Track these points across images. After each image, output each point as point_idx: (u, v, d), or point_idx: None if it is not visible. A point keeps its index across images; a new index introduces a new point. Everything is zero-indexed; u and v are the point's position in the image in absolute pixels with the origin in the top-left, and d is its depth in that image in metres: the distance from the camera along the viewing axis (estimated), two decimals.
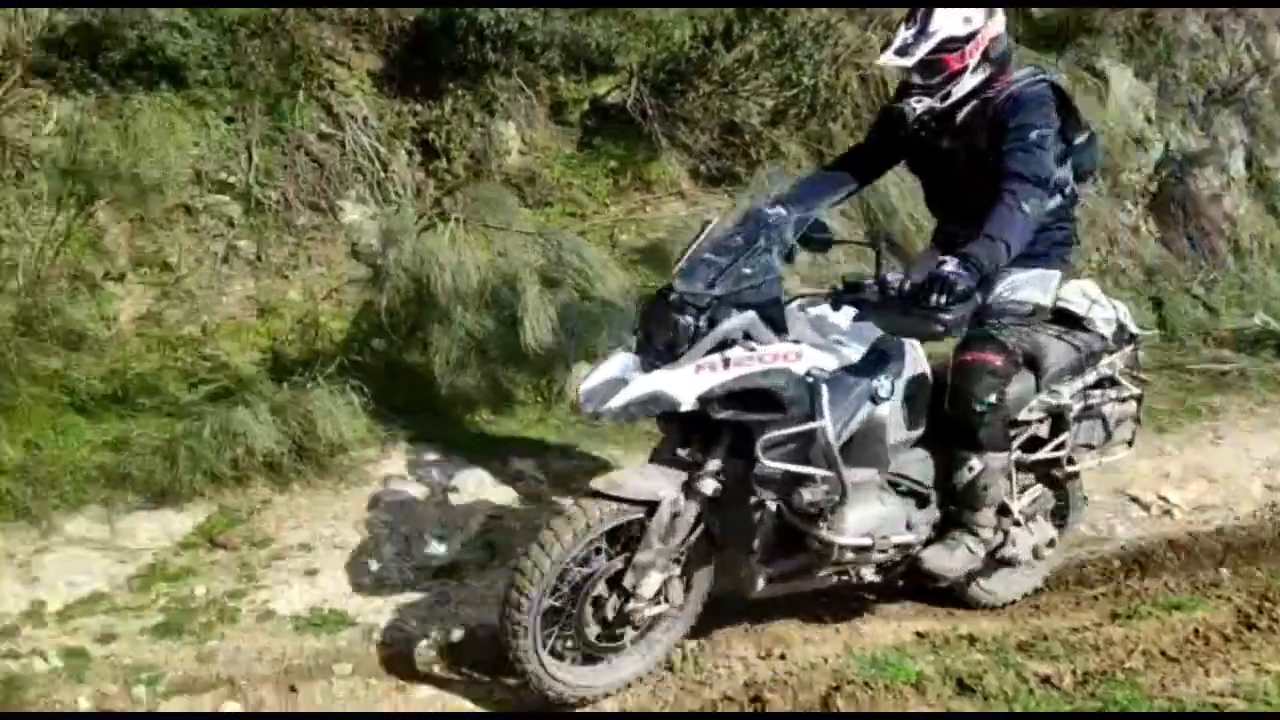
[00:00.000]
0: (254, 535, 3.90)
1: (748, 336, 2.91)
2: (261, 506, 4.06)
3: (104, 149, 4.92)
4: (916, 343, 3.21)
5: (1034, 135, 3.06)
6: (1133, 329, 3.63)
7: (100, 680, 3.12)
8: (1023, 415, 3.40)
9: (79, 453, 4.16)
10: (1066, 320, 3.45)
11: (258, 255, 5.49)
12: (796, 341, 2.98)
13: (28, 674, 3.15)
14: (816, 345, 3.04)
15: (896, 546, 3.25)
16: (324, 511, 4.07)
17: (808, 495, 2.96)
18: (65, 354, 4.70)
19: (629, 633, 3.04)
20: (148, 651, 3.26)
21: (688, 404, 2.81)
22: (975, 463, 3.25)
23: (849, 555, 3.12)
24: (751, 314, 2.91)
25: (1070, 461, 3.60)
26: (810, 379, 2.91)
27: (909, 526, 3.27)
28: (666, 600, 3.06)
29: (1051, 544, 3.68)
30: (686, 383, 2.81)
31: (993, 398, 3.16)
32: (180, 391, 4.61)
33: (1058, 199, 3.27)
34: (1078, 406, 3.51)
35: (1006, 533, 3.46)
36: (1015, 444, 3.43)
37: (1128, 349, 3.64)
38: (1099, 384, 3.57)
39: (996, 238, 2.92)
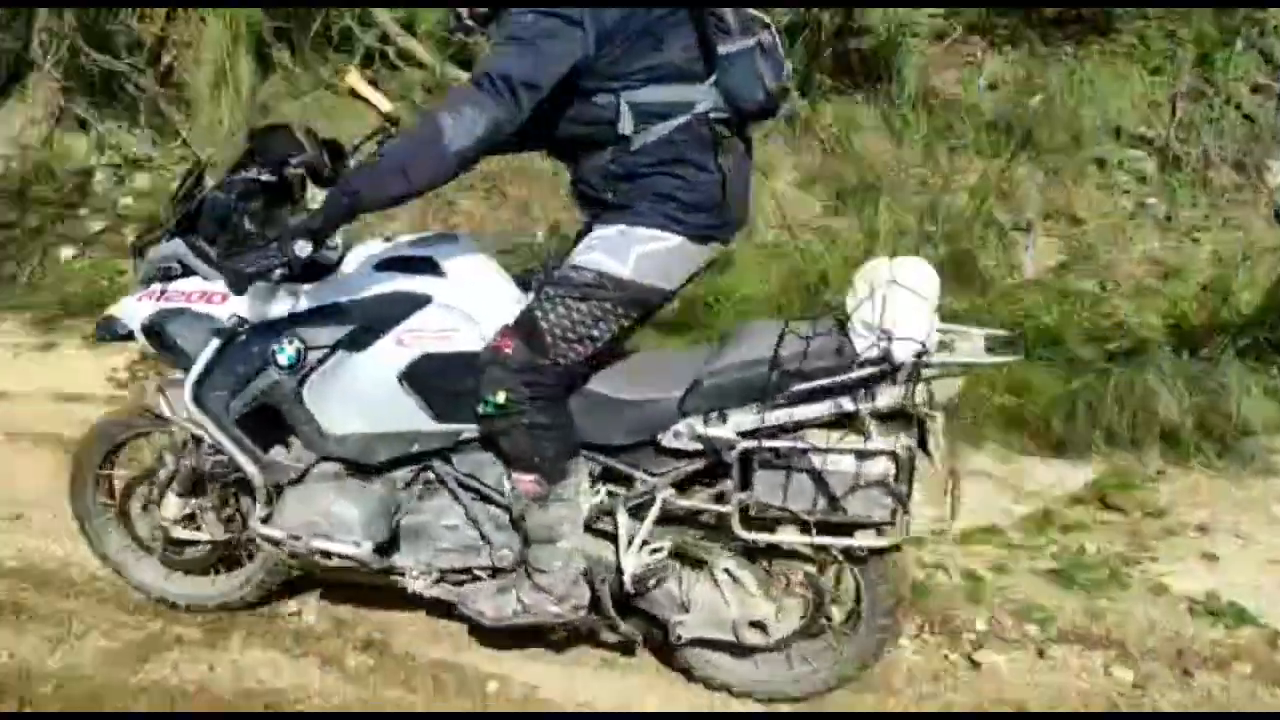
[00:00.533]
0: (1146, 504, 3.85)
1: (185, 268, 2.52)
2: (1156, 476, 3.98)
3: (1028, 102, 5.18)
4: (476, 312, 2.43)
5: (522, 20, 2.19)
6: (908, 353, 2.19)
7: (996, 608, 3.38)
8: (670, 441, 2.39)
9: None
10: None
11: (1167, 215, 5.32)
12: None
13: (932, 584, 3.54)
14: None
15: (344, 556, 2.55)
16: (1225, 495, 3.85)
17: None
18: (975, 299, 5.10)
19: None
20: (1039, 592, 3.43)
21: (136, 330, 2.58)
22: (507, 484, 2.47)
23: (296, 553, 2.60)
24: (178, 242, 2.50)
25: (751, 526, 2.40)
26: (220, 328, 2.46)
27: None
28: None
29: (805, 633, 2.58)
30: (133, 308, 2.61)
31: (500, 396, 2.32)
32: (1079, 346, 4.69)
33: (663, 126, 2.29)
34: (750, 446, 2.32)
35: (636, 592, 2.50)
36: (667, 479, 2.45)
37: (901, 383, 2.23)
38: (827, 423, 2.31)
39: (382, 157, 2.27)
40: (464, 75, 6.62)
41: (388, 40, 6.52)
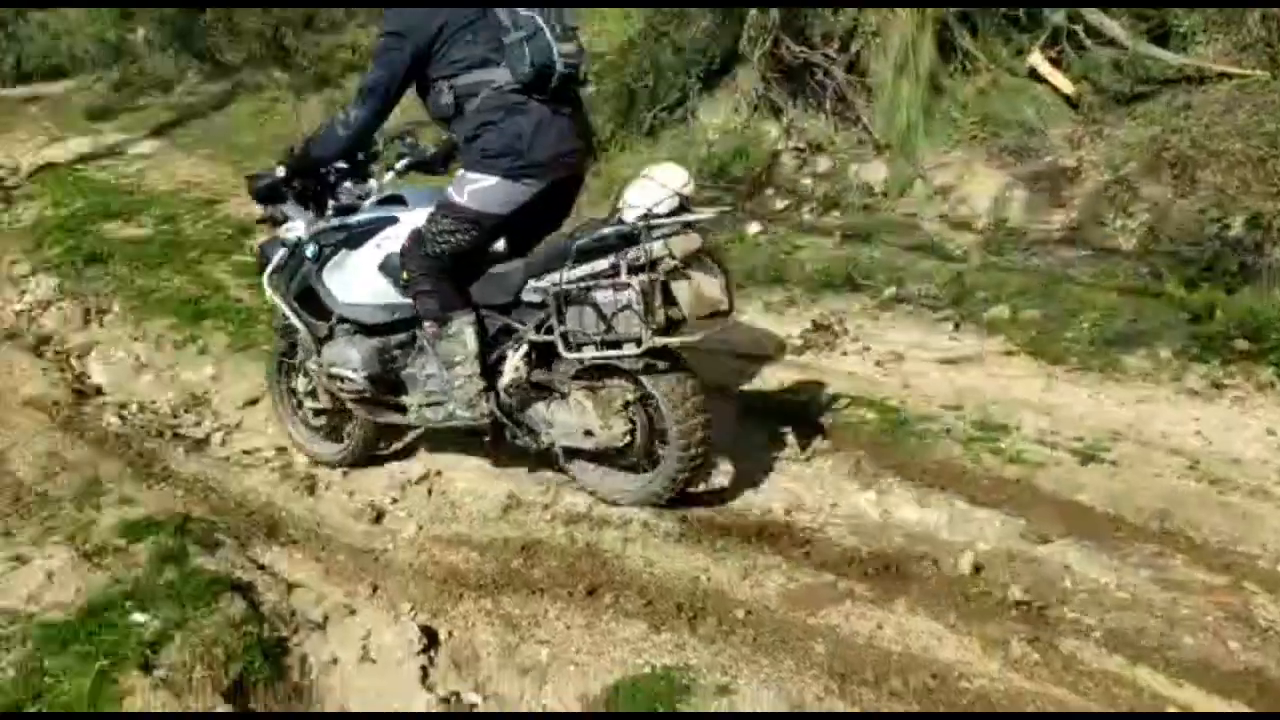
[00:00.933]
0: None
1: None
2: None
3: None
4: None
5: (377, 42, 3.45)
6: (632, 216, 3.27)
7: None
8: (528, 296, 3.55)
9: None
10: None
11: None
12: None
13: None
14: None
15: (348, 380, 3.90)
16: None
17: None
18: None
19: None
20: None
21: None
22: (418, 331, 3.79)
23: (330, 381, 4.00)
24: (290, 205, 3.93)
25: (571, 348, 3.43)
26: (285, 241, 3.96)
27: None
28: None
29: (628, 449, 3.55)
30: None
31: (404, 274, 3.65)
32: None
33: (475, 101, 3.37)
34: (556, 291, 3.40)
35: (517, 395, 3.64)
36: (530, 326, 3.59)
37: (646, 241, 3.23)
38: (602, 274, 3.33)
39: (311, 139, 3.70)
40: (1161, 53, 6.10)
41: (1076, 19, 6.22)
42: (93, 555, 3.54)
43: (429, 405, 3.87)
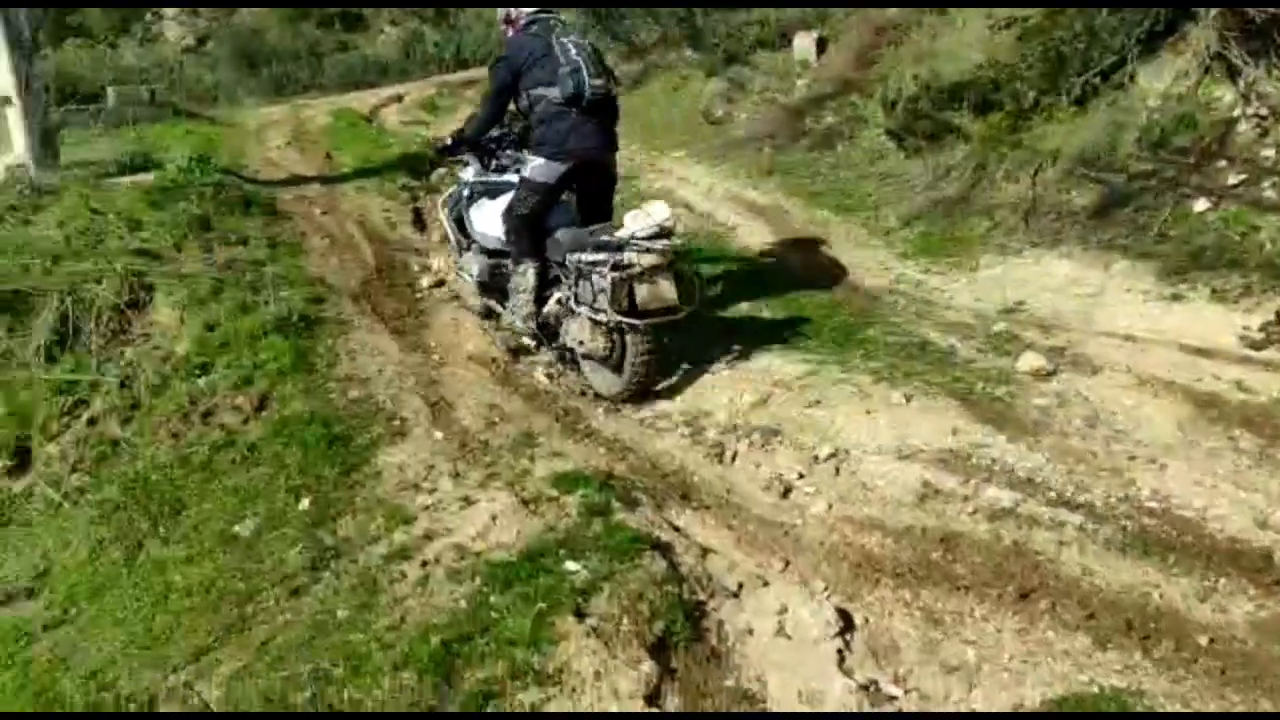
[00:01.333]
0: None
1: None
2: None
3: None
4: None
5: (493, 66, 5.36)
6: (624, 234, 4.73)
7: None
8: (567, 261, 5.04)
9: None
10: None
11: None
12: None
13: None
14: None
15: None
16: None
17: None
18: None
19: None
20: None
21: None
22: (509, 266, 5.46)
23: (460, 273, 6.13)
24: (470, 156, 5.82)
25: (579, 304, 4.92)
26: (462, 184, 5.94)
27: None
28: None
29: (602, 361, 4.98)
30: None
31: (504, 226, 5.32)
32: None
33: (539, 109, 5.08)
34: (574, 269, 4.96)
35: (556, 320, 5.25)
36: (571, 278, 5.06)
37: (633, 252, 4.68)
38: (597, 263, 4.79)
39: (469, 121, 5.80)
40: None
41: None
42: (529, 502, 3.80)
43: (510, 311, 5.50)
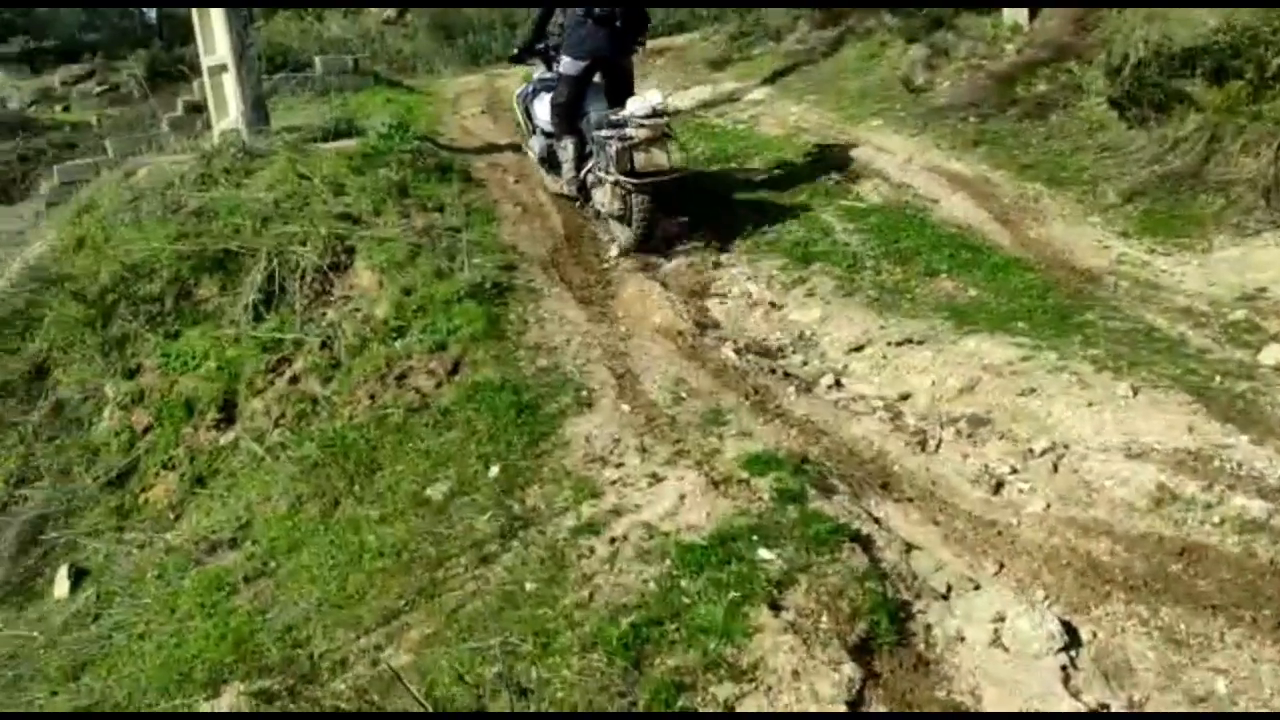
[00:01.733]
0: None
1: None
2: None
3: None
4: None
5: None
6: (624, 113, 6.03)
7: None
8: (593, 135, 6.26)
9: None
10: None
11: None
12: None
13: None
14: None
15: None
16: None
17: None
18: None
19: None
20: None
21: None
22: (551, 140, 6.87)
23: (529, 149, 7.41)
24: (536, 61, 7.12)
25: (597, 169, 6.26)
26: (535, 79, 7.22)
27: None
28: None
29: (618, 220, 6.28)
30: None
31: (551, 112, 6.68)
32: None
33: (566, 21, 6.55)
34: (595, 142, 6.23)
35: (590, 185, 6.52)
36: (600, 150, 6.23)
37: (632, 128, 5.92)
38: (609, 137, 6.00)
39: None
40: None
41: None
42: (719, 483, 3.64)
43: (559, 178, 6.87)
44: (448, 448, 4.22)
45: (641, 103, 5.99)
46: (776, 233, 6.48)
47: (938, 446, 4.06)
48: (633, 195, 5.98)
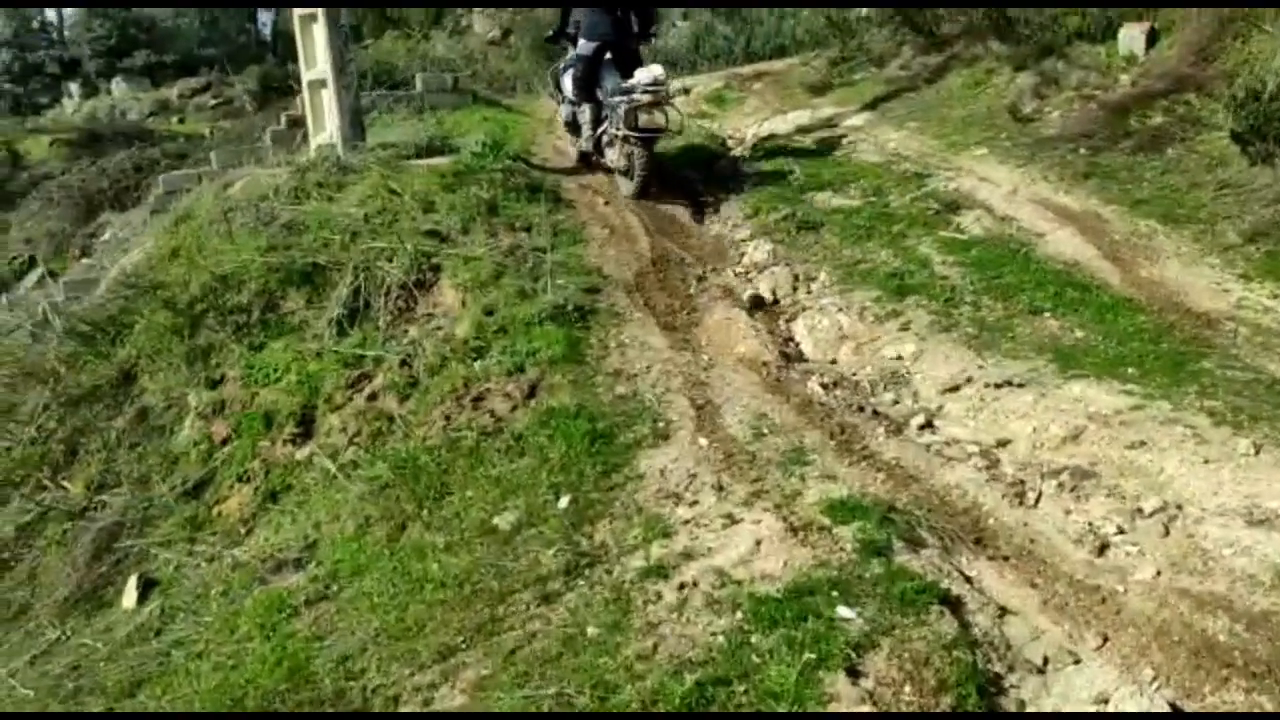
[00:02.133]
0: None
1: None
2: None
3: None
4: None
5: None
6: (629, 83, 7.29)
7: None
8: (607, 101, 7.59)
9: None
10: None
11: None
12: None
13: None
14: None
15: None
16: None
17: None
18: None
19: None
20: None
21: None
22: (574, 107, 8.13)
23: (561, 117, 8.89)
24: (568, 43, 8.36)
25: (611, 128, 7.53)
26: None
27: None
28: None
29: (624, 174, 7.62)
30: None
31: (573, 84, 8.04)
32: None
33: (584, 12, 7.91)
34: (609, 106, 7.51)
35: (604, 144, 7.77)
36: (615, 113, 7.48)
37: (638, 93, 7.15)
38: (618, 102, 7.27)
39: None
40: None
41: None
42: (798, 530, 3.44)
43: (579, 137, 8.12)
44: (519, 475, 4.10)
45: (646, 74, 7.27)
46: (870, 262, 6.24)
47: (1037, 500, 3.78)
48: (635, 148, 7.33)
